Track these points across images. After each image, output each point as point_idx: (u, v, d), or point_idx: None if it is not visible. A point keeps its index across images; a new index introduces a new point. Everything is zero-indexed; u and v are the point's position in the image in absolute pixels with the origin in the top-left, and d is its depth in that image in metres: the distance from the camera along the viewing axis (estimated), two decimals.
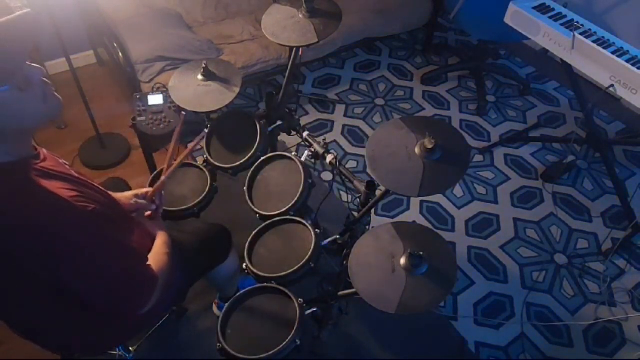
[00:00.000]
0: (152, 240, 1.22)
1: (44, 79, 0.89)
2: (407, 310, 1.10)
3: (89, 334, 1.18)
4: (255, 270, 1.36)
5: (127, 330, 1.29)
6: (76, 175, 1.02)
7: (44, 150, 1.00)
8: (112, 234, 0.98)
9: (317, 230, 1.39)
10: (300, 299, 1.28)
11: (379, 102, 2.93)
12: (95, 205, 0.93)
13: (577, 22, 2.01)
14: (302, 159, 1.57)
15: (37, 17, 0.82)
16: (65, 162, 1.08)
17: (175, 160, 1.33)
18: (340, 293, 1.39)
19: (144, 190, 1.33)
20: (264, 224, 1.46)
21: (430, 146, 1.14)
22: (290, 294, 1.29)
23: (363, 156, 2.56)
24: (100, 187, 1.08)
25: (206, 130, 1.43)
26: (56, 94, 0.92)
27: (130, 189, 1.63)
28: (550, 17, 2.05)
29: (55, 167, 0.95)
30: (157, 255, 1.15)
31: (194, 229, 1.49)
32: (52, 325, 1.10)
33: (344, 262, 1.50)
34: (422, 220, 2.33)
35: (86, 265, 0.91)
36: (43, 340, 1.16)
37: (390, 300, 1.11)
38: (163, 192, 1.34)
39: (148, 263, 1.08)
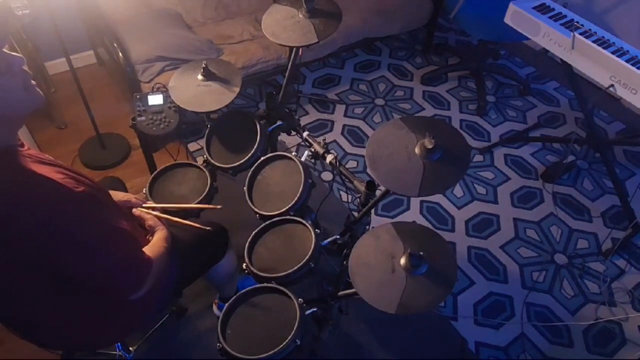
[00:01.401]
0: (145, 234, 1.24)
1: (25, 68, 0.91)
2: (407, 310, 1.09)
3: (87, 328, 1.18)
4: (255, 270, 1.36)
5: (125, 326, 1.29)
6: (63, 164, 1.03)
7: (27, 144, 1.01)
8: (103, 216, 0.99)
9: (317, 230, 1.39)
10: (300, 299, 1.28)
11: (379, 102, 2.93)
12: (84, 188, 0.94)
13: (577, 22, 2.01)
14: (302, 159, 1.57)
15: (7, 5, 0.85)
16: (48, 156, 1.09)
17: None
18: (340, 293, 1.39)
19: (134, 199, 1.34)
20: (264, 224, 1.46)
21: (430, 146, 1.14)
22: (290, 294, 1.29)
23: (363, 156, 2.56)
24: (89, 177, 1.08)
25: (217, 206, 1.51)
26: (37, 88, 0.94)
27: (126, 189, 1.63)
28: (550, 17, 2.05)
29: (41, 155, 0.97)
30: (153, 246, 1.17)
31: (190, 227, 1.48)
32: (50, 319, 1.10)
33: (344, 262, 1.50)
34: (422, 220, 2.33)
35: (78, 244, 0.92)
36: (41, 336, 1.16)
37: (390, 300, 1.11)
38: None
39: (142, 249, 1.10)
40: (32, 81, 0.93)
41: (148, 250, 1.13)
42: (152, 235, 1.26)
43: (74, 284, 1.01)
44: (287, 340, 1.18)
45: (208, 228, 1.43)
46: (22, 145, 0.97)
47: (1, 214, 0.84)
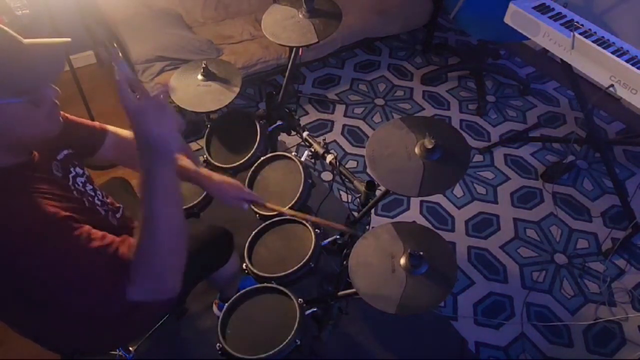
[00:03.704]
0: None
1: (56, 100, 0.90)
2: (407, 310, 1.10)
3: (88, 335, 1.18)
4: (255, 270, 1.36)
5: (124, 335, 1.29)
6: (69, 184, 1.00)
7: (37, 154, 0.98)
8: (81, 241, 0.88)
9: (317, 230, 1.39)
10: (300, 299, 1.28)
11: (379, 102, 2.93)
12: (69, 213, 0.88)
13: (577, 22, 2.01)
14: (302, 159, 1.57)
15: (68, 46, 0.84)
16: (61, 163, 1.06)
17: None
18: (340, 293, 1.39)
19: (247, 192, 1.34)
20: (264, 224, 1.46)
21: (430, 146, 1.14)
22: (290, 294, 1.29)
23: (363, 156, 2.56)
24: (94, 197, 1.07)
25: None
26: (59, 116, 0.93)
27: (133, 189, 1.63)
28: (550, 17, 2.05)
29: (45, 175, 0.94)
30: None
31: (195, 231, 1.47)
32: (51, 326, 1.10)
33: (344, 262, 1.50)
34: (422, 220, 2.33)
35: (55, 275, 0.85)
36: (43, 341, 1.16)
37: (390, 300, 1.11)
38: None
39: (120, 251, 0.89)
40: (59, 109, 0.92)
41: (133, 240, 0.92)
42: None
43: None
44: (287, 340, 1.18)
45: (344, 228, 1.33)
46: (31, 160, 0.94)
47: None
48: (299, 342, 1.20)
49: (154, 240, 0.85)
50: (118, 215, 1.18)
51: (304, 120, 2.74)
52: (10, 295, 0.96)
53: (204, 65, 1.59)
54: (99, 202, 1.10)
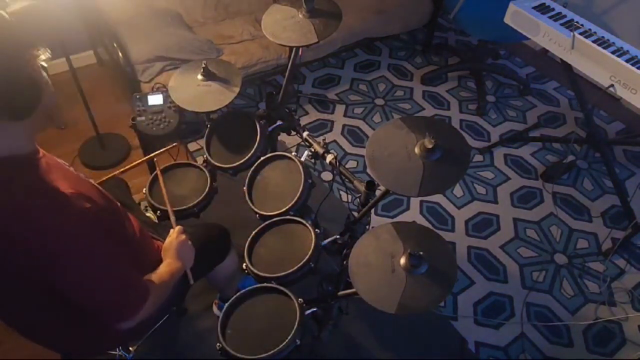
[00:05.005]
0: (155, 261, 1.22)
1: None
2: (407, 310, 1.10)
3: (83, 336, 1.18)
4: (255, 270, 1.36)
5: (123, 336, 1.29)
6: (75, 173, 1.02)
7: (41, 150, 1.01)
8: (105, 238, 0.97)
9: (317, 230, 1.39)
10: (300, 299, 1.28)
11: (379, 102, 2.93)
12: (91, 205, 0.94)
13: (577, 22, 2.01)
14: (302, 159, 1.57)
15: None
16: (64, 162, 1.08)
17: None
18: (340, 293, 1.39)
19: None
20: (263, 224, 1.46)
21: (430, 146, 1.14)
22: (290, 294, 1.29)
23: (363, 156, 2.56)
24: (101, 189, 1.08)
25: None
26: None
27: (129, 189, 1.63)
28: (550, 17, 2.05)
29: (55, 164, 0.98)
30: (157, 276, 1.14)
31: (191, 229, 1.48)
32: (46, 325, 1.10)
33: (344, 262, 1.50)
34: (422, 220, 2.33)
35: (77, 266, 0.91)
36: (41, 339, 1.16)
37: (390, 300, 1.11)
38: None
39: (143, 277, 1.08)
40: None
41: (153, 277, 1.12)
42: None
43: (65, 301, 0.99)
44: (287, 340, 1.18)
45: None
46: (38, 150, 0.97)
47: (5, 224, 0.84)
48: (299, 342, 1.20)
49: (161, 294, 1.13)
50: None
51: (304, 120, 2.74)
52: (19, 292, 0.97)
53: (204, 65, 1.59)
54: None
